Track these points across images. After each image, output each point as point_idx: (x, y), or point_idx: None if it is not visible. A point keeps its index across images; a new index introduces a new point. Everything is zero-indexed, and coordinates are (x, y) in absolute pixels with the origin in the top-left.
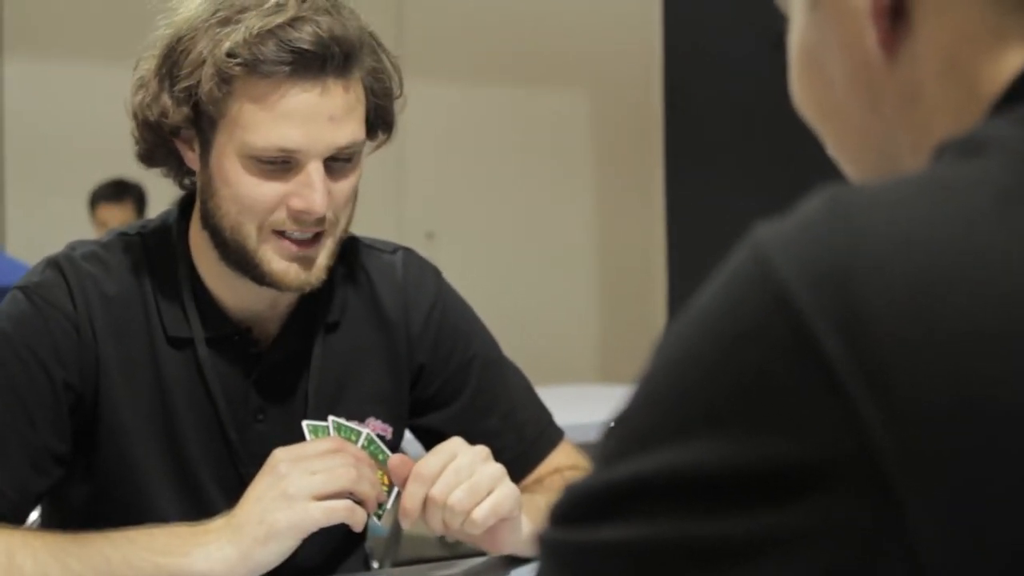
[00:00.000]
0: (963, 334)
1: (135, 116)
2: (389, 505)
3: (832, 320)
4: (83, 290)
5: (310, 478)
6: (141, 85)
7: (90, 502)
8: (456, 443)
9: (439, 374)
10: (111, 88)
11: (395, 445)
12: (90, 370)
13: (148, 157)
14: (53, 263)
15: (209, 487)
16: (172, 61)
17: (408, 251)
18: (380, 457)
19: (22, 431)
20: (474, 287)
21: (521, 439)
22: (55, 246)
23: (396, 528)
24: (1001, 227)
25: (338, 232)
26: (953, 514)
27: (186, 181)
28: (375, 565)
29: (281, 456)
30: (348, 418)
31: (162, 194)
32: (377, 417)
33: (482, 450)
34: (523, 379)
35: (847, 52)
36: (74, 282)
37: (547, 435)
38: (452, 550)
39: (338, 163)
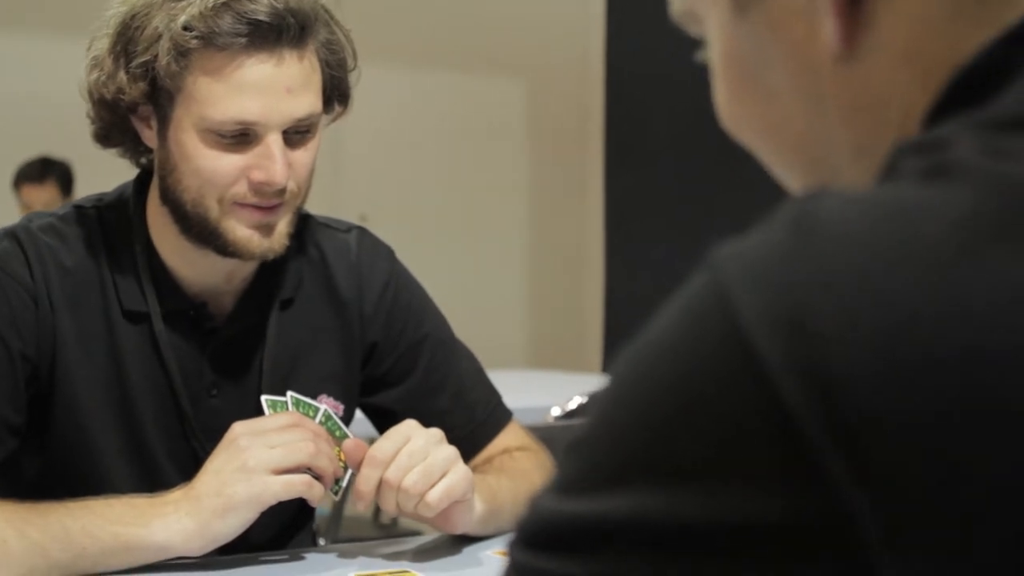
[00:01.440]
0: (934, 397)
1: (90, 95)
2: (345, 481)
3: (796, 374)
4: (41, 261)
5: (269, 452)
6: (96, 64)
7: (43, 474)
8: (410, 426)
9: (391, 353)
10: (43, 64)
11: (346, 422)
12: (47, 342)
13: (104, 137)
14: (10, 234)
15: (162, 461)
16: (127, 38)
17: (362, 230)
18: (337, 433)
19: None
20: None
21: (470, 419)
22: None
23: (339, 507)
24: (973, 275)
25: (298, 202)
26: (929, 571)
27: (143, 160)
28: (321, 543)
29: (240, 430)
30: (300, 394)
31: (90, 170)
32: (329, 394)
33: (436, 433)
34: (474, 361)
35: (791, 56)
36: (32, 253)
37: (496, 415)
38: (386, 531)
39: (297, 135)
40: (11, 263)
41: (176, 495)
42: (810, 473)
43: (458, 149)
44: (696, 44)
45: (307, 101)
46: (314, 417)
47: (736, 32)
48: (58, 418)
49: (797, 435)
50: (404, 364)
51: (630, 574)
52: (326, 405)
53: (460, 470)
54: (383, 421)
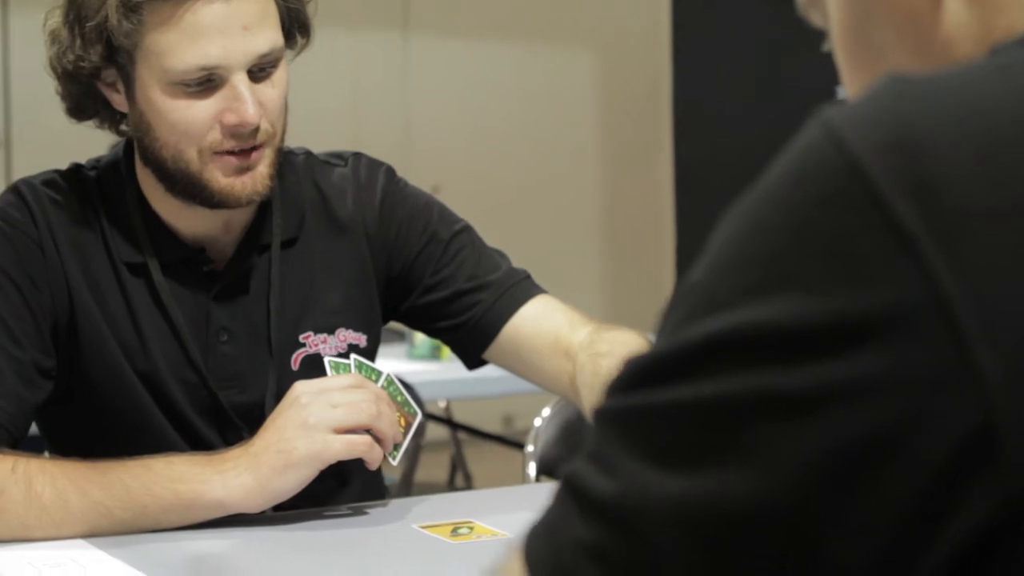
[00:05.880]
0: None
1: (54, 70)
2: (404, 447)
3: (902, 184)
4: (43, 211)
5: (331, 411)
6: (53, 38)
7: (86, 420)
8: None
9: (402, 261)
10: None
11: (371, 352)
12: (60, 288)
13: (77, 110)
14: (13, 188)
15: (185, 408)
16: (77, 6)
17: (357, 156)
18: (398, 398)
19: (8, 348)
20: None
21: (493, 292)
22: None
23: (408, 475)
24: None
25: (276, 142)
26: (1018, 355)
27: (122, 127)
28: None
29: (302, 388)
30: (316, 331)
31: None
32: (347, 327)
33: None
34: (494, 249)
35: (895, 9)
36: (34, 204)
37: (525, 285)
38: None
39: (262, 72)
40: (14, 214)
41: (236, 452)
42: (914, 270)
43: (530, 120)
44: (762, 6)
45: (267, 36)
46: (376, 380)
47: (847, 2)
48: (88, 362)
49: (903, 238)
50: (417, 270)
51: (735, 384)
52: (342, 339)
53: None
54: (424, 322)
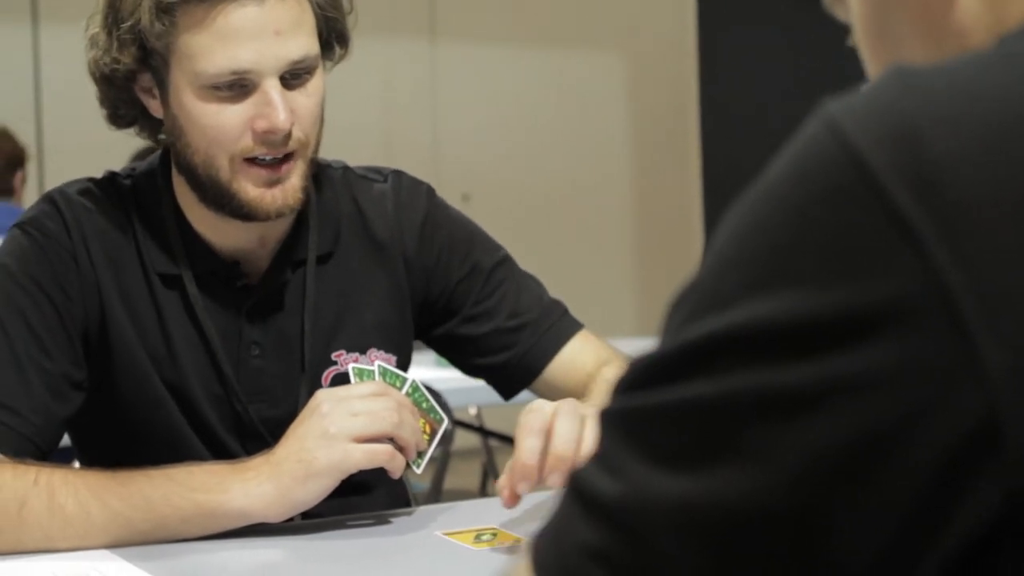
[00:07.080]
0: None
1: (93, 75)
2: (428, 455)
3: (905, 177)
4: (77, 221)
5: (352, 419)
6: (93, 43)
7: (116, 432)
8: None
9: (441, 287)
10: None
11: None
12: (93, 299)
13: (116, 116)
14: (48, 197)
15: (213, 422)
16: (115, 9)
17: (398, 174)
18: (424, 405)
19: (38, 360)
20: (510, 248)
21: (534, 331)
22: None
23: (437, 482)
24: None
25: (309, 152)
26: (1022, 346)
27: (160, 135)
28: None
29: (323, 396)
30: (348, 350)
31: None
32: (380, 347)
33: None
34: (531, 278)
35: (909, 2)
36: (68, 214)
37: (561, 325)
38: None
39: (297, 79)
40: (47, 224)
41: (257, 461)
42: (917, 261)
43: (558, 125)
44: (788, 8)
45: (300, 43)
46: (400, 388)
47: None
48: (118, 372)
49: (907, 229)
50: (457, 298)
51: (735, 382)
52: (373, 359)
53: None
54: (451, 349)
